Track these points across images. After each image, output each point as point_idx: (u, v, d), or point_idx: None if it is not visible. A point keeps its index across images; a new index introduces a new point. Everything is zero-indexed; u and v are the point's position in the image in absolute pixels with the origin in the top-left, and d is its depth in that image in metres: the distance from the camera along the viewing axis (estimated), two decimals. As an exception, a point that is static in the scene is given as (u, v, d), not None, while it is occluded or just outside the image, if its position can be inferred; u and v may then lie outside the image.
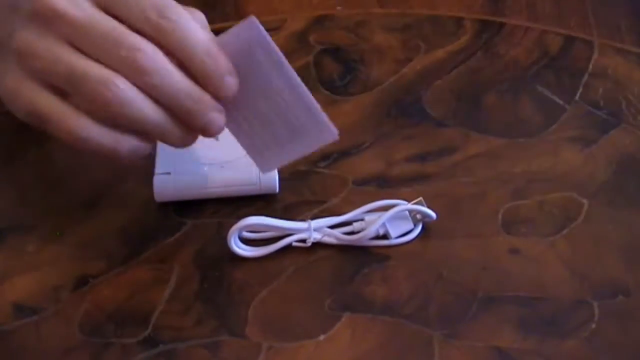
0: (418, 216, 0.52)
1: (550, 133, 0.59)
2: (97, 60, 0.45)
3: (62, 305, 0.50)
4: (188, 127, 0.48)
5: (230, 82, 0.47)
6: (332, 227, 0.52)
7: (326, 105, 0.59)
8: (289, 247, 0.52)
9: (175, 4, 0.46)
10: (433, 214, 0.52)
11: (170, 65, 0.46)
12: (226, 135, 0.51)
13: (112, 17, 0.46)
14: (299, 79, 0.48)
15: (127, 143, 0.47)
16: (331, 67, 0.64)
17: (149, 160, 0.55)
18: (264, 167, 0.52)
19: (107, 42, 0.45)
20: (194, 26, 0.46)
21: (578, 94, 0.61)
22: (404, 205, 0.52)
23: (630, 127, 0.59)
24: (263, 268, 0.51)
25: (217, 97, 0.47)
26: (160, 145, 0.56)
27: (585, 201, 0.54)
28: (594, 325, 0.48)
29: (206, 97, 0.47)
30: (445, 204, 0.54)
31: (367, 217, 0.53)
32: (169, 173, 0.54)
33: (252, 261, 0.51)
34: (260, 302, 0.50)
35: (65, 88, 0.46)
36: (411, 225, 0.52)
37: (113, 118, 0.46)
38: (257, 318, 0.49)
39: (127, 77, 0.45)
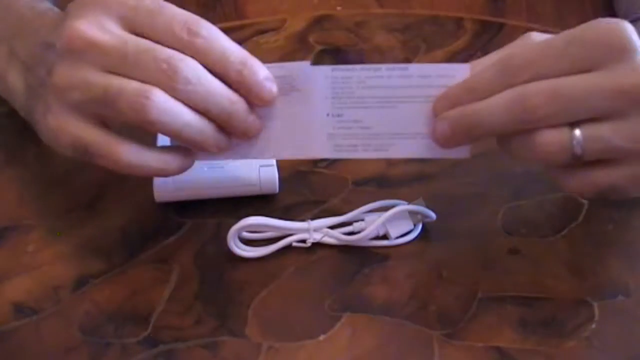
0: (418, 216, 0.52)
1: (550, 133, 0.59)
2: (133, 78, 0.46)
3: (62, 305, 0.50)
4: (226, 132, 0.48)
5: (270, 86, 0.48)
6: (332, 227, 0.52)
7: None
8: (289, 247, 0.52)
9: (200, 18, 0.47)
10: (433, 214, 0.52)
11: (208, 74, 0.46)
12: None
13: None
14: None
15: (173, 162, 0.49)
16: (331, 67, 0.64)
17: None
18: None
19: (145, 60, 0.45)
20: (224, 39, 0.47)
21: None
22: (403, 206, 0.52)
23: (630, 127, 0.59)
24: (263, 268, 0.51)
25: (258, 102, 0.48)
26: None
27: (585, 201, 0.54)
28: (594, 325, 0.48)
29: (243, 101, 0.48)
30: (445, 204, 0.54)
31: (367, 217, 0.53)
32: (169, 173, 0.54)
33: (252, 261, 0.51)
34: (260, 302, 0.50)
35: (105, 112, 0.47)
36: (411, 226, 0.52)
37: (154, 131, 0.47)
38: (257, 318, 0.49)
39: (165, 89, 0.45)
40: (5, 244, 0.53)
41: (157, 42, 0.46)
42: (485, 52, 0.65)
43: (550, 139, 0.45)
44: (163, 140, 0.51)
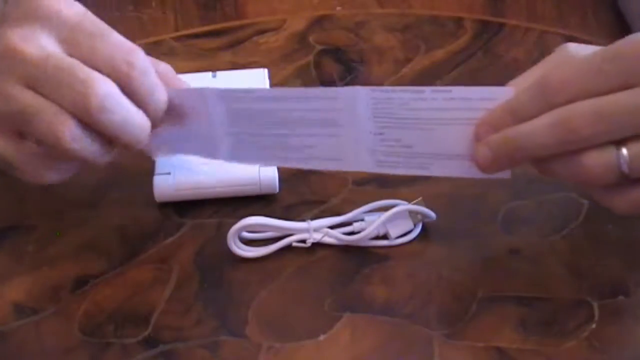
0: (418, 216, 0.52)
1: (550, 133, 0.59)
2: (53, 100, 0.45)
3: (62, 305, 0.50)
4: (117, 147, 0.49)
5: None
6: (332, 227, 0.52)
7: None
8: (289, 247, 0.52)
9: (142, 55, 0.47)
10: (433, 214, 0.52)
11: (126, 100, 0.46)
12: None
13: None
14: None
15: (69, 174, 0.50)
16: (331, 67, 0.64)
17: (149, 160, 0.55)
18: None
19: (62, 78, 0.45)
20: (154, 74, 0.47)
21: (578, 94, 0.61)
22: (404, 205, 0.52)
23: (630, 127, 0.59)
24: (263, 268, 0.51)
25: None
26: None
27: (585, 201, 0.54)
28: (594, 325, 0.48)
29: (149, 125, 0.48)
30: (445, 204, 0.54)
31: (367, 217, 0.53)
32: (169, 173, 0.54)
33: (252, 261, 0.51)
34: (260, 302, 0.50)
35: (21, 128, 0.46)
36: (411, 225, 0.52)
37: (60, 154, 0.47)
38: (257, 318, 0.49)
39: (78, 112, 0.45)
40: (5, 244, 0.53)
41: (94, 67, 0.46)
42: (485, 51, 0.65)
43: (597, 159, 0.44)
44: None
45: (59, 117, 0.45)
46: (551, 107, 0.44)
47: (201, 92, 0.50)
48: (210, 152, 0.53)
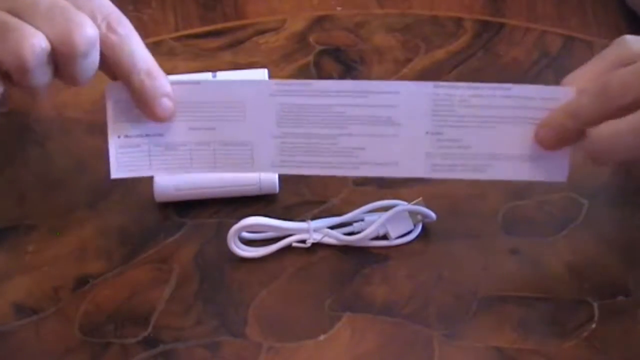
0: (418, 216, 0.52)
1: (550, 133, 0.59)
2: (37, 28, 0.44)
3: (62, 305, 0.50)
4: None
5: (165, 104, 0.48)
6: (332, 227, 0.52)
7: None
8: (289, 247, 0.52)
9: (124, 17, 0.46)
10: (433, 214, 0.52)
11: (98, 50, 0.46)
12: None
13: None
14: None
15: None
16: (331, 68, 0.64)
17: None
18: None
19: (54, 13, 0.44)
20: (139, 44, 0.47)
21: (578, 94, 0.61)
22: (403, 206, 0.52)
23: (630, 127, 0.59)
24: (263, 268, 0.51)
25: (150, 118, 0.48)
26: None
27: (585, 201, 0.54)
28: (594, 325, 0.48)
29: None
30: (445, 204, 0.54)
31: (367, 218, 0.53)
32: (169, 173, 0.54)
33: (252, 261, 0.51)
34: (260, 302, 0.50)
35: None
36: (411, 226, 0.52)
37: (23, 79, 0.45)
38: (257, 318, 0.49)
39: (57, 47, 0.44)
40: (5, 244, 0.53)
41: None
42: (485, 51, 0.65)
43: None
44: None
45: (35, 35, 0.44)
46: (612, 110, 0.45)
47: (248, 86, 0.48)
48: (242, 162, 0.50)
